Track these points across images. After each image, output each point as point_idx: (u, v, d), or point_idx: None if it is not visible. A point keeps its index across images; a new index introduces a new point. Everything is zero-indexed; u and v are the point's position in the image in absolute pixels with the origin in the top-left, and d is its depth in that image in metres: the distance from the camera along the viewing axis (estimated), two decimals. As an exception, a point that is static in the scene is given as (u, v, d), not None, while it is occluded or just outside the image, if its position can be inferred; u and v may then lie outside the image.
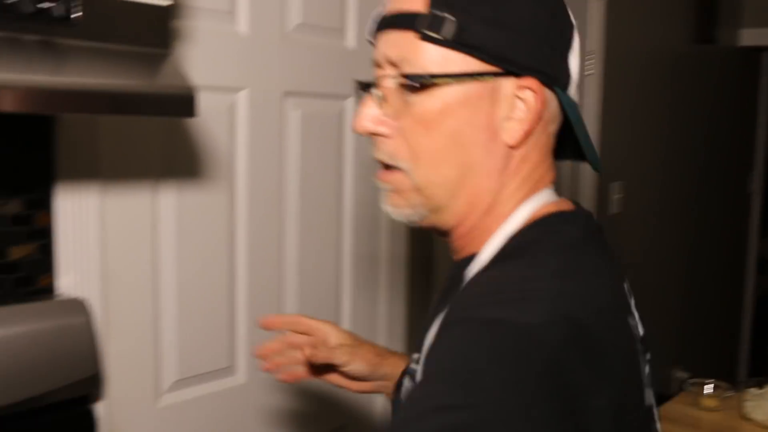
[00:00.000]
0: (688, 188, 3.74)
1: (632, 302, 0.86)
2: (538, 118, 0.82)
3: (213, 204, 1.69)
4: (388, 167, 0.86)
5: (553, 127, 0.87)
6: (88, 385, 1.42)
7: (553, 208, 0.85)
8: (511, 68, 0.81)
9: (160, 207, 1.60)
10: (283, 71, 1.78)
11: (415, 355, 0.88)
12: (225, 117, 1.69)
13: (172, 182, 1.61)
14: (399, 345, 2.13)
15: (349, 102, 1.95)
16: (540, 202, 0.85)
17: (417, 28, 0.81)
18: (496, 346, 0.68)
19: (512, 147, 0.83)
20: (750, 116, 4.37)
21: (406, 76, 0.82)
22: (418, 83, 0.81)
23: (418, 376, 0.81)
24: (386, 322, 2.11)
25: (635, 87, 3.16)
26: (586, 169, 2.87)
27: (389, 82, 0.84)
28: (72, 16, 1.06)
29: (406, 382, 0.91)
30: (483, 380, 0.66)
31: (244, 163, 1.73)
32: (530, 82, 0.81)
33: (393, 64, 0.83)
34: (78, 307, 1.41)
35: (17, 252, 1.42)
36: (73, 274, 1.47)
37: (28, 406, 1.34)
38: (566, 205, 0.87)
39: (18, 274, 1.42)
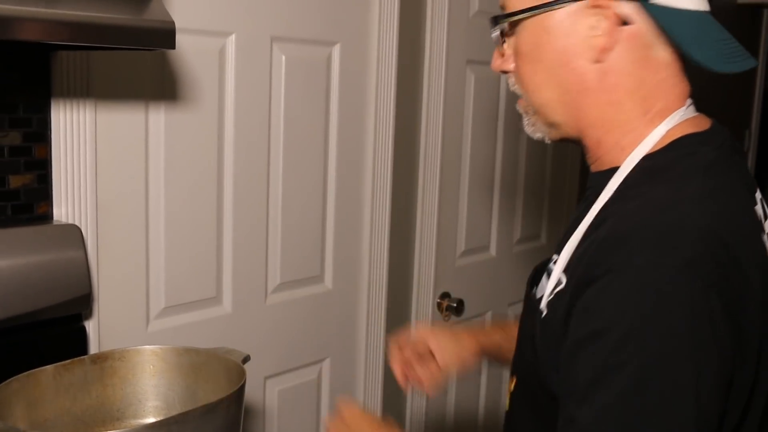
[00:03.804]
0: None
1: (766, 223, 0.95)
2: (614, 30, 0.92)
3: (201, 142, 1.78)
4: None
5: (661, 45, 0.93)
6: (80, 304, 1.54)
7: (688, 128, 0.94)
8: None
9: (150, 142, 1.70)
10: (270, 17, 1.86)
11: (555, 256, 1.00)
12: (215, 60, 1.78)
13: (162, 118, 1.71)
14: (381, 281, 2.23)
15: (336, 48, 2.03)
16: (673, 123, 0.94)
17: None
18: (659, 290, 0.79)
19: (598, 62, 0.94)
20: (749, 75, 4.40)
21: (497, 17, 1.00)
22: (506, 20, 0.99)
23: (555, 278, 0.95)
24: (368, 259, 2.22)
25: None
26: None
27: (498, 27, 1.02)
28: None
29: (544, 280, 1.02)
30: (655, 326, 0.79)
31: (231, 104, 1.82)
32: (598, 0, 0.92)
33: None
34: (72, 231, 1.52)
35: (15, 181, 1.52)
36: (68, 203, 1.57)
37: (28, 320, 1.46)
38: (703, 124, 0.96)
39: (16, 201, 1.53)
